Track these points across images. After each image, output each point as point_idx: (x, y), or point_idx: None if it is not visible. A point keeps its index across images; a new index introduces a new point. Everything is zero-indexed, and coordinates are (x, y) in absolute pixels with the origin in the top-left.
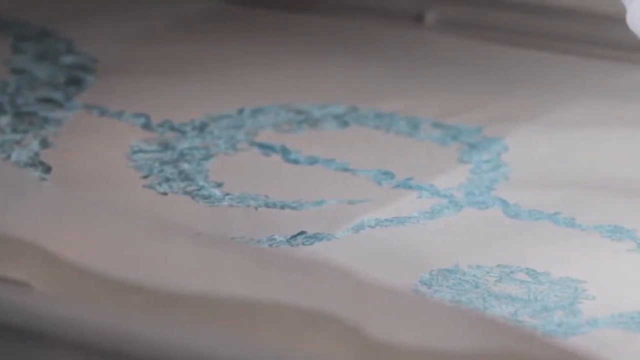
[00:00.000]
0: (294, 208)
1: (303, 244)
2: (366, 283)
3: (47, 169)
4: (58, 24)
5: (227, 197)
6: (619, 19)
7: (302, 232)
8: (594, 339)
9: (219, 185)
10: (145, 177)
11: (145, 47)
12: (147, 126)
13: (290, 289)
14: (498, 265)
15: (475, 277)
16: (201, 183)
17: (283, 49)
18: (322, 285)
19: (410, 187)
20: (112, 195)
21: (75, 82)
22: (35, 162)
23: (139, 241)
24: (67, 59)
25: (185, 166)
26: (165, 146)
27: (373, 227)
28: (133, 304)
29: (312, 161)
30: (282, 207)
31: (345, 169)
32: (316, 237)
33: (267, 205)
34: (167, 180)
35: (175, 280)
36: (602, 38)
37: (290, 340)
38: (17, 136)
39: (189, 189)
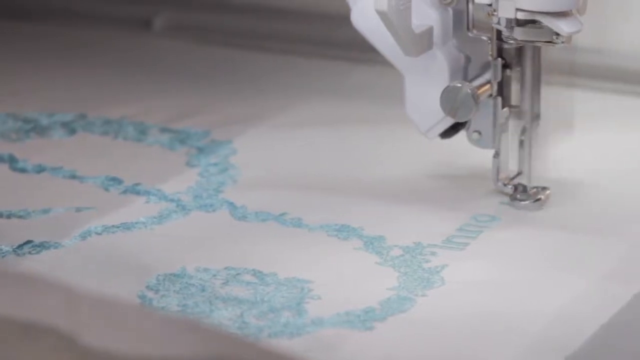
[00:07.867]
0: (20, 217)
1: (30, 253)
2: (81, 293)
3: None
4: None
5: None
6: (345, 19)
7: (29, 241)
8: (319, 339)
9: None
10: None
11: None
12: None
13: (4, 302)
14: (225, 268)
15: (202, 281)
16: None
17: (9, 57)
18: (35, 297)
19: (138, 193)
20: None
21: None
22: None
23: None
24: None
25: None
26: None
27: (100, 233)
28: None
29: (40, 169)
30: (9, 217)
31: (73, 177)
32: (43, 246)
33: None
34: None
35: None
36: (329, 38)
37: (5, 352)
38: None
39: None
